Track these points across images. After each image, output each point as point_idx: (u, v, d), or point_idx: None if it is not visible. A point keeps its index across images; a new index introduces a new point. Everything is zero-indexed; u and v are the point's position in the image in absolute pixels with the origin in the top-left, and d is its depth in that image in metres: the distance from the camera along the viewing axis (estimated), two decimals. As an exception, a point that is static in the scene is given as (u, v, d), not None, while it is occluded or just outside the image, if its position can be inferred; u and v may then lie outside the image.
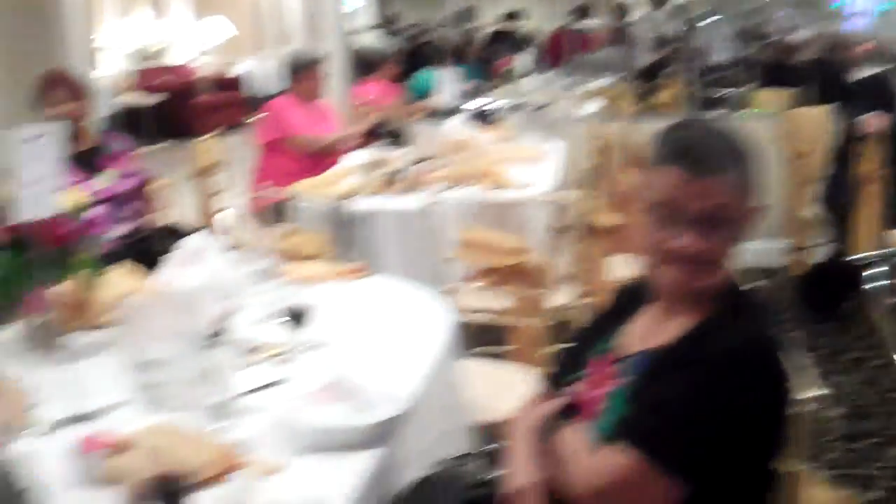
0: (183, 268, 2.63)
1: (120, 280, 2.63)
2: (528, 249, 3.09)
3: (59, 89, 3.94)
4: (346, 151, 5.26)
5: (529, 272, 3.04)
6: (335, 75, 6.58)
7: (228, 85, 14.49)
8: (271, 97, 11.22)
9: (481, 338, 3.03)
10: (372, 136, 5.41)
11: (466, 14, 11.63)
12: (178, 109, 12.68)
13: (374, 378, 1.94)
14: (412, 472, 1.98)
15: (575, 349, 1.89)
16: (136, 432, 1.71)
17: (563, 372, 1.87)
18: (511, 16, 11.54)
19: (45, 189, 1.97)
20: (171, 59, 14.34)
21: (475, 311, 3.01)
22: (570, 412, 1.76)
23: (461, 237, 3.14)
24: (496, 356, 3.14)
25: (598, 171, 3.67)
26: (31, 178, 1.94)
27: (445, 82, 5.21)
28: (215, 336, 2.14)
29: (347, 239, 3.48)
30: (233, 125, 11.36)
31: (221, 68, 15.20)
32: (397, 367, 2.11)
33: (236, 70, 15.20)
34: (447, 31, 11.06)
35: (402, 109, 6.11)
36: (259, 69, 15.36)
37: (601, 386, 1.73)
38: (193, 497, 1.48)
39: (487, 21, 11.73)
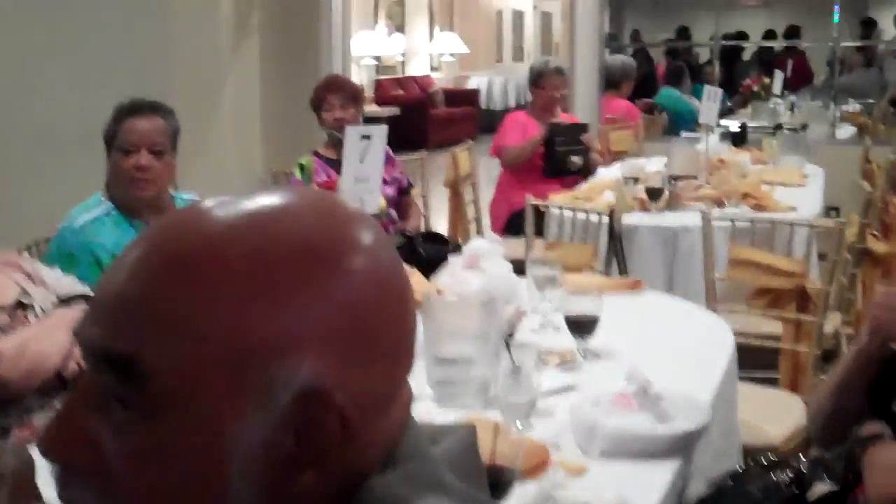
0: (464, 272, 2.73)
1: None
2: (805, 273, 3.02)
3: (338, 94, 4.15)
4: (592, 169, 5.25)
5: (805, 296, 2.98)
6: (583, 89, 6.63)
7: (464, 98, 14.80)
8: (506, 111, 11.38)
9: (749, 360, 2.98)
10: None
11: (685, 32, 11.44)
12: (414, 121, 13.03)
13: (669, 391, 1.95)
14: (696, 486, 1.98)
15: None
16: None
17: (887, 388, 1.83)
18: (739, 35, 11.26)
19: (369, 188, 2.09)
20: (407, 71, 14.79)
21: (744, 333, 2.96)
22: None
23: (732, 256, 3.11)
24: (762, 380, 3.08)
25: (866, 197, 3.54)
26: (358, 175, 2.06)
27: (706, 101, 5.14)
28: (509, 338, 2.22)
29: (611, 253, 3.50)
30: (468, 138, 11.64)
31: (457, 82, 15.56)
32: (687, 383, 2.12)
33: (471, 84, 15.53)
34: (675, 46, 10.91)
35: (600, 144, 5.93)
36: (494, 83, 15.65)
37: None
38: (514, 490, 1.54)
39: (703, 38, 11.40)
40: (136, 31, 5.04)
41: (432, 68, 15.34)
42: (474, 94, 15.11)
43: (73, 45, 4.63)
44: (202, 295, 0.64)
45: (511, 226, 5.16)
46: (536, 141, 5.20)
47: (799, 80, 9.59)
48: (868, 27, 10.22)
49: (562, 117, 5.54)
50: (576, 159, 5.13)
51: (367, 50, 12.88)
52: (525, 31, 17.13)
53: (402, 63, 14.74)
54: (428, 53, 15.32)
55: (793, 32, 10.71)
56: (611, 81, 6.82)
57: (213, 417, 0.63)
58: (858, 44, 9.18)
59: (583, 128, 5.35)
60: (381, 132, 2.12)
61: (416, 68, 14.92)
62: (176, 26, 5.40)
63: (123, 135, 2.85)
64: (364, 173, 2.08)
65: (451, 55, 15.50)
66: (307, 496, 0.66)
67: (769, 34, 11.08)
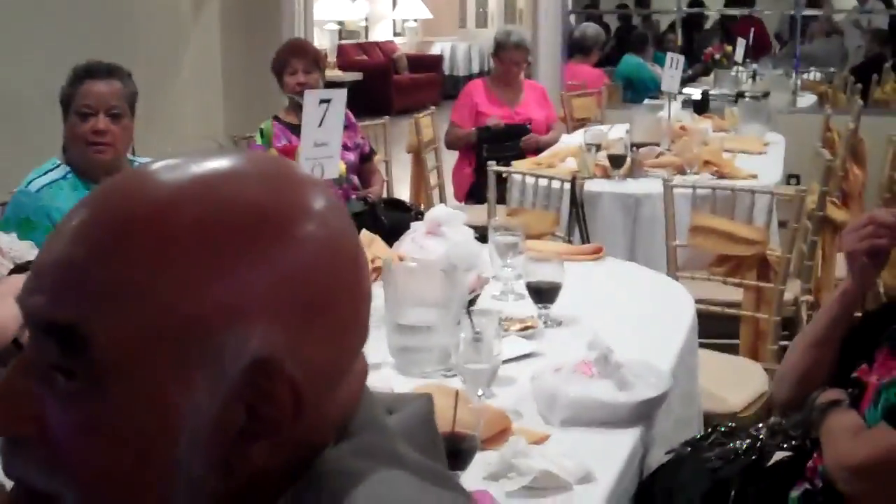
0: (426, 239, 2.71)
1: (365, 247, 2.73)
2: (765, 240, 3.03)
3: (300, 59, 4.10)
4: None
5: (765, 263, 2.99)
6: (546, 56, 6.60)
7: (427, 64, 14.71)
8: (470, 77, 11.31)
9: (709, 327, 3.00)
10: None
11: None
12: (377, 86, 12.92)
13: (630, 358, 1.95)
14: (657, 454, 1.99)
15: (860, 335, 1.84)
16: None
17: (848, 356, 1.83)
18: (698, 2, 11.26)
19: (328, 153, 2.06)
20: (371, 37, 14.67)
21: (705, 301, 2.97)
22: (854, 399, 1.74)
23: (694, 223, 3.12)
24: (722, 347, 3.10)
25: (826, 165, 3.56)
26: (318, 139, 2.04)
27: (668, 68, 5.14)
28: (470, 306, 2.21)
29: (573, 220, 3.49)
30: (431, 104, 11.58)
31: (420, 47, 15.47)
32: (648, 350, 2.12)
33: (434, 50, 15.44)
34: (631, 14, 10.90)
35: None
36: (457, 49, 15.57)
37: (885, 375, 1.69)
38: (474, 458, 1.54)
39: (667, 6, 11.39)
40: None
41: (395, 34, 15.25)
42: (438, 59, 15.03)
43: (31, 8, 4.54)
44: (146, 263, 0.62)
45: (473, 192, 5.19)
46: (466, 138, 5.26)
47: (758, 49, 9.61)
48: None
49: (524, 85, 5.55)
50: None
51: (329, 14, 12.75)
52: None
53: (366, 28, 14.63)
54: (391, 19, 15.21)
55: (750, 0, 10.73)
56: (581, 47, 6.81)
57: (159, 389, 0.62)
58: (817, 12, 9.20)
59: (520, 130, 5.27)
60: (340, 96, 2.10)
61: (379, 34, 14.82)
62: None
63: (80, 98, 2.80)
64: (323, 138, 2.05)
65: (415, 20, 15.40)
66: (259, 470, 0.64)
67: (729, 2, 11.08)
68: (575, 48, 6.86)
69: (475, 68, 15.62)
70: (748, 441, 1.87)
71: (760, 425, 1.92)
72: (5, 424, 0.64)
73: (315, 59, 4.18)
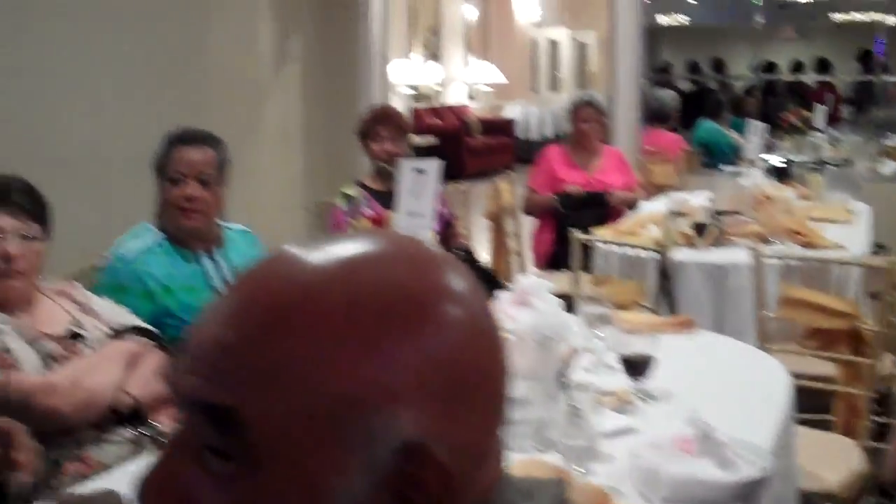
0: (514, 309, 2.70)
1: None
2: (858, 313, 2.97)
3: (387, 126, 4.14)
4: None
5: (859, 336, 2.92)
6: (623, 122, 6.60)
7: (500, 128, 14.80)
8: (543, 142, 11.36)
9: (802, 402, 2.93)
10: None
11: (720, 64, 11.42)
12: (451, 150, 13.00)
13: (729, 436, 1.91)
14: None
15: None
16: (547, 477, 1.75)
17: None
18: (769, 67, 11.23)
19: (422, 223, 2.08)
20: (444, 101, 14.82)
21: (797, 374, 2.91)
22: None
23: (784, 295, 3.06)
24: (816, 423, 3.02)
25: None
26: (412, 209, 2.05)
27: (750, 135, 5.10)
28: (562, 378, 2.19)
29: (660, 290, 3.46)
30: (505, 168, 11.64)
31: (493, 111, 15.58)
32: (746, 426, 2.07)
33: (507, 113, 15.54)
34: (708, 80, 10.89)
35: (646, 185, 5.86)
36: (530, 113, 15.65)
37: None
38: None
39: (739, 71, 11.43)
40: (179, 61, 5.08)
41: (469, 97, 15.37)
42: (510, 123, 15.11)
43: (114, 72, 4.66)
44: (300, 346, 0.63)
45: (554, 260, 5.12)
46: (546, 204, 5.23)
47: (832, 115, 9.54)
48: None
49: (603, 150, 5.52)
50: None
51: (403, 78, 12.92)
52: (561, 61, 17.13)
53: (439, 92, 14.78)
54: (464, 83, 15.36)
55: (823, 66, 10.68)
56: (660, 115, 6.81)
57: (314, 471, 0.63)
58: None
59: (598, 198, 5.24)
60: (435, 167, 2.11)
61: (452, 97, 14.96)
62: (218, 56, 5.44)
63: (173, 164, 2.86)
64: (417, 208, 2.07)
65: (487, 85, 15.53)
66: None
67: (797, 66, 11.05)
68: (653, 115, 6.87)
69: (548, 132, 15.67)
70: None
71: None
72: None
73: (401, 126, 4.22)
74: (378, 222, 3.44)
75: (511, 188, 5.30)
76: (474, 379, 0.67)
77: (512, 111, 15.56)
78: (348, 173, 5.26)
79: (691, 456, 1.82)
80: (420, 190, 2.04)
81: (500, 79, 15.31)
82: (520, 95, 15.93)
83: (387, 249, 0.69)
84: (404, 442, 0.63)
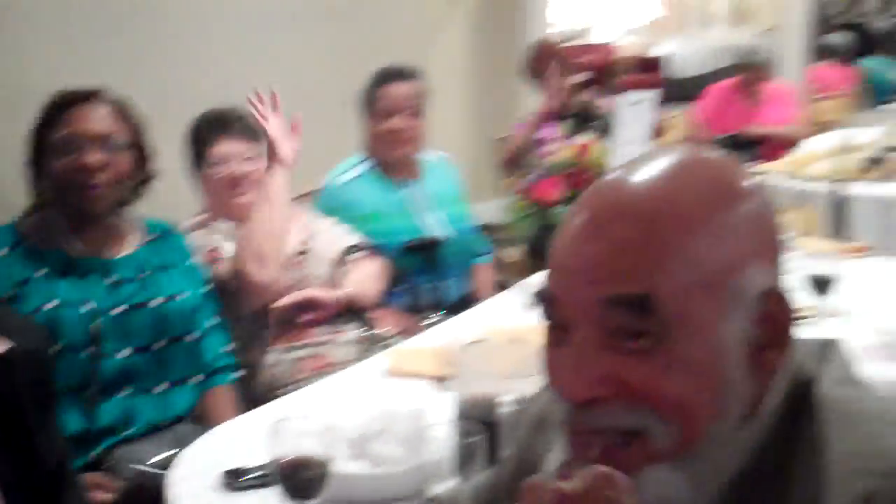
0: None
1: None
2: None
3: (552, 60, 4.34)
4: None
5: None
6: (790, 58, 6.60)
7: (649, 66, 14.69)
8: (694, 80, 11.24)
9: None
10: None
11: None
12: (599, 88, 12.96)
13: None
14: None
15: None
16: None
17: None
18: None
19: (639, 148, 2.27)
20: (594, 38, 14.75)
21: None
22: None
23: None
24: None
25: None
26: (629, 138, 2.26)
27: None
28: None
29: (833, 221, 3.58)
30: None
31: (642, 49, 15.46)
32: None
33: (657, 51, 15.39)
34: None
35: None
36: (680, 52, 15.47)
37: None
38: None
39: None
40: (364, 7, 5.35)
41: (622, 34, 15.27)
42: (657, 61, 14.96)
43: (302, 18, 4.95)
44: (684, 237, 0.84)
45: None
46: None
47: None
48: None
49: (768, 88, 5.62)
50: None
51: (557, 15, 12.93)
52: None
53: (586, 30, 14.73)
54: (615, 20, 15.25)
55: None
56: (833, 52, 6.84)
57: (710, 327, 0.84)
58: None
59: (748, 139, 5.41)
60: (651, 98, 2.31)
61: (600, 36, 14.88)
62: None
63: (382, 100, 3.11)
64: (635, 136, 2.27)
65: (638, 22, 15.40)
66: (772, 371, 0.88)
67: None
68: (827, 52, 6.88)
69: (698, 70, 15.46)
70: None
71: None
72: (582, 391, 0.85)
73: (563, 61, 4.42)
74: (583, 151, 3.59)
75: (681, 123, 5.43)
76: (777, 238, 0.89)
77: (662, 49, 15.40)
78: (510, 114, 5.51)
79: (885, 361, 1.98)
80: (636, 120, 2.24)
81: (651, 16, 15.15)
82: (672, 32, 15.74)
83: (693, 157, 0.91)
84: (761, 290, 0.85)
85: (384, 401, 1.88)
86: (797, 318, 0.88)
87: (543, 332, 0.91)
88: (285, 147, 2.58)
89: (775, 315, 0.87)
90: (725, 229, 0.85)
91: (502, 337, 1.85)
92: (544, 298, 0.89)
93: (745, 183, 0.89)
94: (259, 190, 2.59)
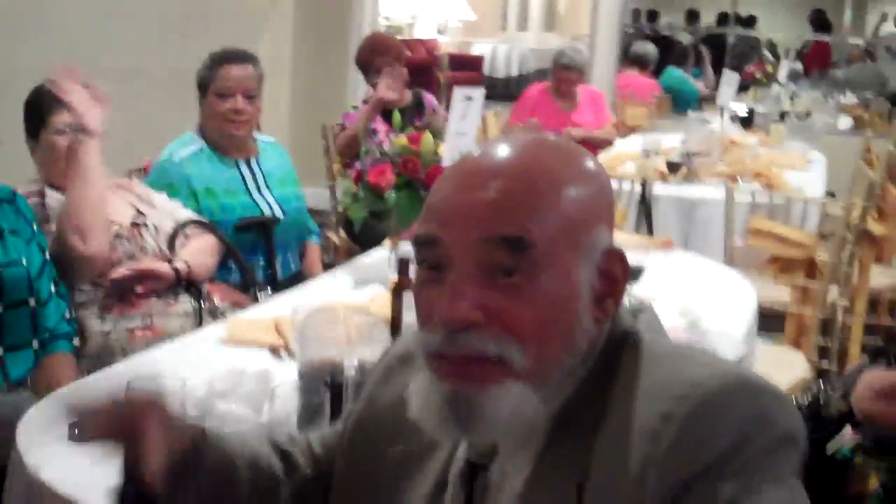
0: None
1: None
2: (815, 245, 3.39)
3: (386, 55, 4.47)
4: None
5: (812, 266, 3.35)
6: (601, 64, 6.97)
7: (469, 64, 15.05)
8: (509, 80, 11.56)
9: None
10: None
11: (695, 15, 11.85)
12: (421, 83, 13.18)
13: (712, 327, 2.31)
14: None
15: None
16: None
17: None
18: (742, 21, 11.66)
19: (467, 140, 2.43)
20: (414, 35, 14.98)
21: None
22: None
23: (752, 226, 3.48)
24: (768, 339, 3.45)
25: (869, 182, 3.90)
26: (460, 130, 2.41)
27: (724, 84, 5.50)
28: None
29: (640, 217, 3.86)
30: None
31: (461, 47, 15.81)
32: (721, 325, 2.47)
33: (475, 50, 15.78)
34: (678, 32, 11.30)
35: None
36: (498, 51, 15.92)
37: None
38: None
39: (709, 24, 11.85)
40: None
41: (438, 32, 15.56)
42: (479, 60, 15.36)
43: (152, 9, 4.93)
44: (553, 194, 1.00)
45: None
46: None
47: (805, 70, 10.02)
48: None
49: (581, 92, 5.92)
50: None
51: (377, 11, 13.07)
52: (530, 1, 17.35)
53: (410, 25, 14.96)
54: (434, 18, 15.53)
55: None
56: (641, 61, 7.24)
57: (567, 270, 1.00)
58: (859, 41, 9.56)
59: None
60: (480, 94, 2.47)
61: (422, 32, 15.13)
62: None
63: (219, 80, 3.16)
64: (464, 129, 2.42)
65: (458, 21, 15.74)
66: (607, 318, 1.04)
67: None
68: (634, 61, 7.28)
69: (514, 71, 15.95)
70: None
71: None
72: (464, 315, 0.98)
73: (397, 54, 4.56)
74: (416, 140, 3.71)
75: (496, 121, 5.65)
76: (613, 208, 1.07)
77: (480, 48, 15.81)
78: (337, 102, 5.61)
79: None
80: (467, 114, 2.39)
81: (471, 15, 15.52)
82: (489, 34, 16.17)
83: (547, 137, 1.09)
84: (606, 247, 1.02)
85: (225, 365, 1.96)
86: (629, 277, 1.04)
87: (417, 274, 1.05)
88: (92, 118, 2.56)
89: (614, 271, 1.03)
90: (583, 191, 1.02)
91: (344, 307, 1.96)
92: (424, 241, 1.02)
93: (591, 159, 1.07)
94: (72, 163, 2.56)
